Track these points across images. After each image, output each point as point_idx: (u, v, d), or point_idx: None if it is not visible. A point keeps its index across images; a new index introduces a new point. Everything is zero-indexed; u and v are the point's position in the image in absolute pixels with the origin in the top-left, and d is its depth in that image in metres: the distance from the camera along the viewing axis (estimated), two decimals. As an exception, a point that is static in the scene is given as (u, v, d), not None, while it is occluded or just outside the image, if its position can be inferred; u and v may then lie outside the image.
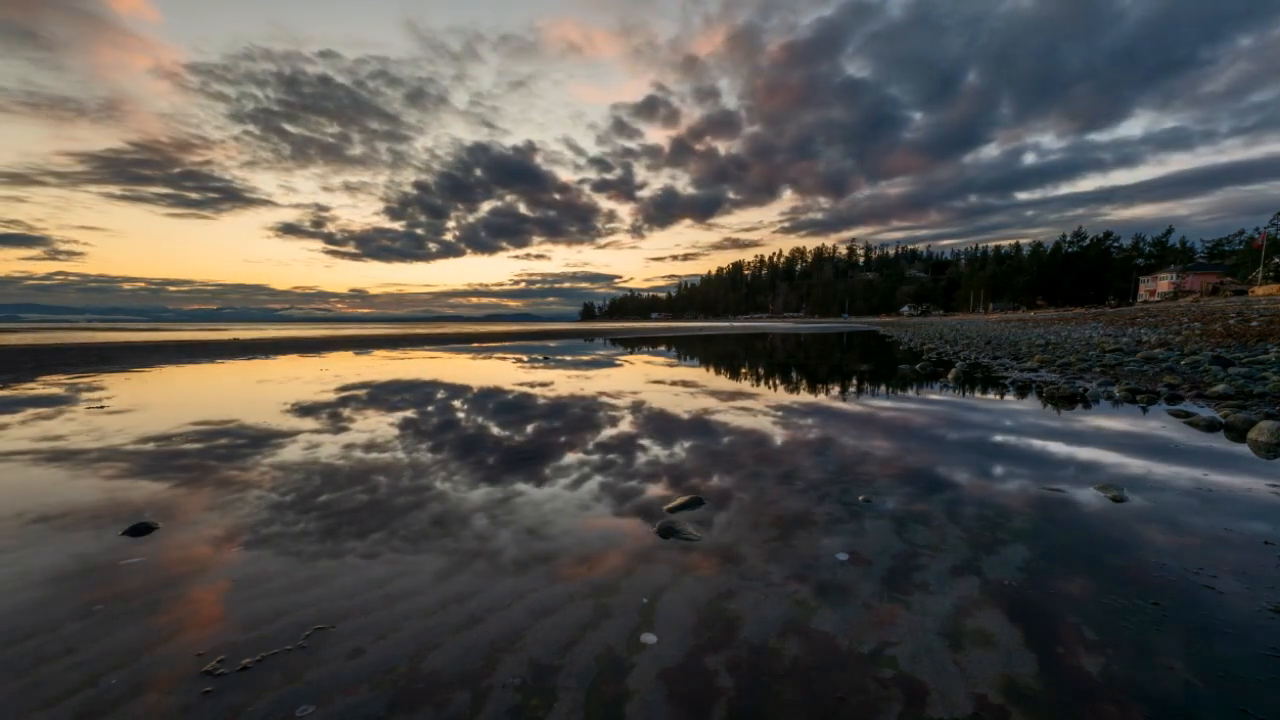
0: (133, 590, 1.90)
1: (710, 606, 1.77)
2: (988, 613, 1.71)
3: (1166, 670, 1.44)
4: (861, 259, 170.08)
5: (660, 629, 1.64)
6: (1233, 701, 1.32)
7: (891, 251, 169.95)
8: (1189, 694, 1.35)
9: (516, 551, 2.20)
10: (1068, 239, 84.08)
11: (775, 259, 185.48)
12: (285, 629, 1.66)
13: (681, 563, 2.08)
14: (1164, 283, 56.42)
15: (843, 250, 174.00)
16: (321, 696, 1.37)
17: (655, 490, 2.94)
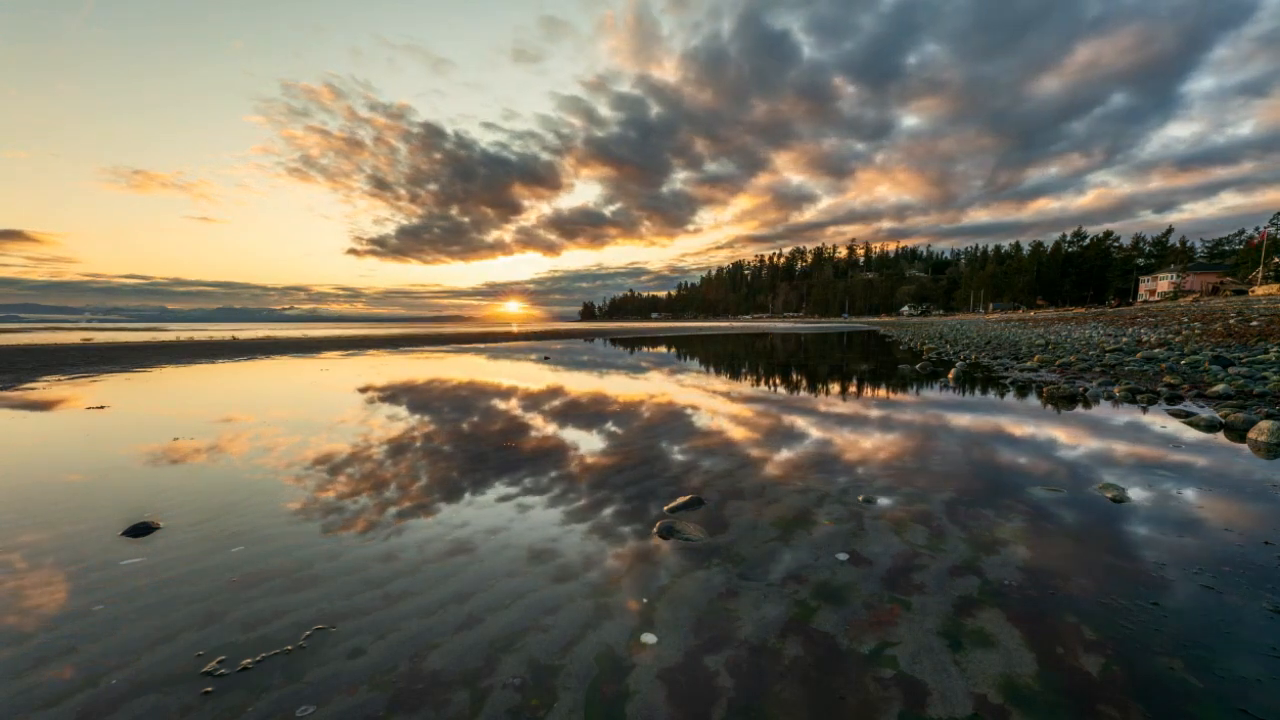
0: (133, 590, 1.90)
1: (710, 606, 1.77)
2: (988, 613, 1.71)
3: (1166, 670, 1.44)
4: (861, 259, 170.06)
5: (660, 629, 1.65)
6: (1233, 701, 1.32)
7: (892, 251, 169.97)
8: (1189, 694, 1.35)
9: (516, 551, 2.20)
10: (1068, 239, 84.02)
11: (775, 259, 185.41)
12: (285, 629, 1.66)
13: (682, 563, 2.08)
14: (1164, 283, 56.39)
15: (842, 250, 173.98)
16: (321, 696, 1.37)
17: (655, 490, 2.94)
